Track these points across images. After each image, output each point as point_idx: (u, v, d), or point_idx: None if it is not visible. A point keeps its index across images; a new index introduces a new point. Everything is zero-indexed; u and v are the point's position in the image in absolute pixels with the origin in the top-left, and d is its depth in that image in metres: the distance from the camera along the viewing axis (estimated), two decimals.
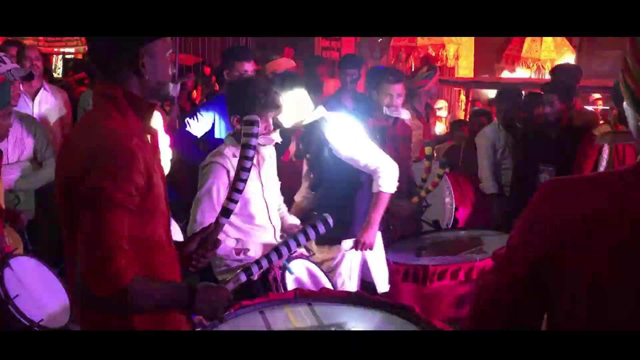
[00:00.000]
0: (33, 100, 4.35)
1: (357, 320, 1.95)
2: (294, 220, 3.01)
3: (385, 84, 3.49)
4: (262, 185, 2.79)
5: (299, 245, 1.95)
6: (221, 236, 2.55)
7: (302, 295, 2.11)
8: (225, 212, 1.91)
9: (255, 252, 2.72)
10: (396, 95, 3.48)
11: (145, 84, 1.60)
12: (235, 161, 2.64)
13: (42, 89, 4.41)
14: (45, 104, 4.40)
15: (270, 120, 2.72)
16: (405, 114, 3.57)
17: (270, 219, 2.83)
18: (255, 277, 1.91)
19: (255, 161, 2.71)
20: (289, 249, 1.95)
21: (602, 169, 3.68)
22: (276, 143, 2.82)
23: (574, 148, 3.87)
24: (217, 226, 1.91)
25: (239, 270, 1.86)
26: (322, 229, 1.97)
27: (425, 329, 1.90)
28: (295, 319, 1.96)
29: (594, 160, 3.73)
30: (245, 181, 1.94)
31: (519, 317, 1.14)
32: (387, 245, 3.36)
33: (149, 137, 1.67)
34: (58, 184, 1.56)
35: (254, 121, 1.92)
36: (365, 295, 2.11)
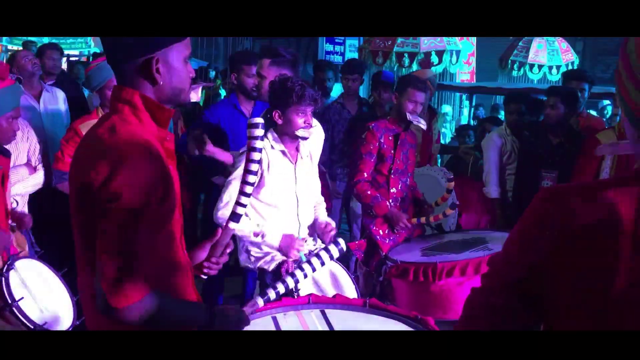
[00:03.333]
0: (38, 101, 4.37)
1: (369, 328, 1.93)
2: (324, 219, 3.07)
3: (411, 90, 3.54)
4: (296, 181, 2.89)
5: (314, 270, 1.96)
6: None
7: (316, 302, 2.10)
8: (234, 217, 1.91)
9: (272, 238, 2.81)
10: (419, 103, 3.56)
11: (160, 90, 1.57)
12: (270, 152, 2.82)
13: (44, 90, 4.44)
14: (49, 105, 4.42)
15: (310, 114, 2.81)
16: (423, 124, 3.65)
17: (298, 215, 2.91)
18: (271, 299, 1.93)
19: (293, 158, 2.90)
20: (304, 275, 1.95)
21: (605, 173, 3.68)
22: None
23: (577, 154, 3.85)
24: (225, 232, 1.90)
25: (256, 296, 1.87)
26: (336, 253, 1.98)
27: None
28: (307, 325, 1.95)
29: (597, 163, 3.72)
30: (252, 185, 1.94)
31: (510, 323, 1.14)
32: (392, 247, 3.44)
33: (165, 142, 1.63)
34: (74, 190, 1.53)
35: (257, 123, 1.92)
36: (379, 304, 2.10)
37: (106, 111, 3.23)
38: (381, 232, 3.61)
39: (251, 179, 1.90)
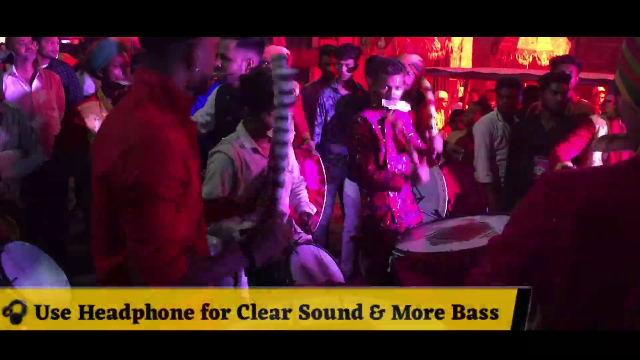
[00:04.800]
0: (30, 85, 4.36)
1: None
2: (307, 208, 3.00)
3: (383, 74, 3.39)
4: None
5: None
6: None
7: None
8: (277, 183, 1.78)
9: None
10: (394, 87, 3.39)
11: (192, 76, 1.57)
12: (242, 152, 2.69)
13: (38, 74, 4.40)
14: (42, 89, 4.40)
15: None
16: (403, 106, 3.49)
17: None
18: None
19: (265, 153, 2.74)
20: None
21: (594, 158, 3.71)
22: None
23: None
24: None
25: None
26: None
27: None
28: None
29: (588, 140, 3.75)
30: (285, 157, 1.79)
31: None
32: (395, 237, 3.29)
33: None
34: (95, 176, 1.52)
35: (283, 56, 1.73)
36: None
37: (108, 94, 3.28)
38: (382, 224, 3.53)
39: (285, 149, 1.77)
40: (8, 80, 4.19)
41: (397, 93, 3.42)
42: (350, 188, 4.47)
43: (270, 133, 2.66)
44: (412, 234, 3.33)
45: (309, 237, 2.91)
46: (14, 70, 4.29)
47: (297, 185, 3.05)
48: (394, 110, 3.51)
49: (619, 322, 1.03)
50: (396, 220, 3.52)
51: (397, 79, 3.39)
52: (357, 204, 4.40)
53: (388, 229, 3.52)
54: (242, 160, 2.69)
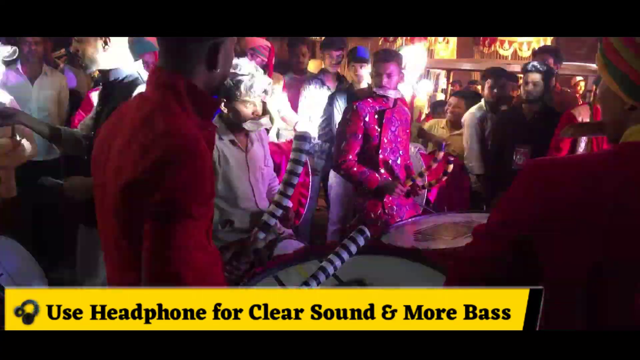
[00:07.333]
0: (32, 84, 4.40)
1: (375, 272, 1.85)
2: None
3: (376, 62, 3.47)
4: (249, 169, 2.79)
5: (343, 261, 1.81)
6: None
7: (314, 251, 2.00)
8: (265, 227, 1.86)
9: (242, 222, 2.69)
10: (386, 75, 3.43)
11: (213, 77, 1.48)
12: (220, 143, 2.68)
13: (43, 73, 4.45)
14: (45, 89, 4.44)
15: (259, 105, 2.70)
16: (393, 94, 3.52)
17: (256, 203, 2.79)
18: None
19: (243, 145, 2.77)
20: (334, 267, 1.80)
21: (580, 148, 3.76)
22: None
23: (551, 129, 3.92)
24: (255, 239, 1.86)
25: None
26: (362, 241, 1.87)
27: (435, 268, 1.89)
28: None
29: (572, 140, 3.79)
30: (289, 197, 1.87)
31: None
32: (383, 232, 3.22)
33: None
34: (113, 184, 1.43)
35: (306, 137, 1.85)
36: (382, 244, 2.03)
37: None
38: (372, 215, 3.52)
39: (290, 191, 1.83)
40: (10, 75, 4.26)
41: (388, 81, 3.45)
42: (335, 180, 4.48)
43: (246, 125, 2.68)
44: (401, 229, 3.28)
45: (291, 231, 2.92)
46: (18, 67, 4.36)
47: (272, 181, 3.02)
48: (396, 104, 3.55)
49: (606, 311, 1.05)
50: (387, 211, 3.51)
51: (385, 67, 3.43)
52: (341, 195, 4.43)
53: (378, 218, 3.51)
54: (220, 152, 2.68)
